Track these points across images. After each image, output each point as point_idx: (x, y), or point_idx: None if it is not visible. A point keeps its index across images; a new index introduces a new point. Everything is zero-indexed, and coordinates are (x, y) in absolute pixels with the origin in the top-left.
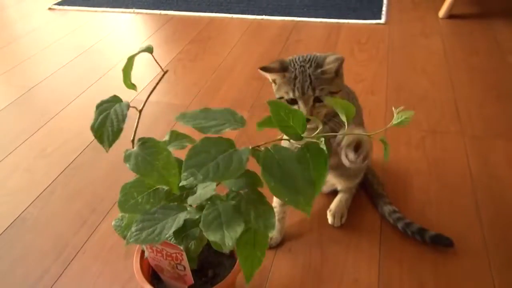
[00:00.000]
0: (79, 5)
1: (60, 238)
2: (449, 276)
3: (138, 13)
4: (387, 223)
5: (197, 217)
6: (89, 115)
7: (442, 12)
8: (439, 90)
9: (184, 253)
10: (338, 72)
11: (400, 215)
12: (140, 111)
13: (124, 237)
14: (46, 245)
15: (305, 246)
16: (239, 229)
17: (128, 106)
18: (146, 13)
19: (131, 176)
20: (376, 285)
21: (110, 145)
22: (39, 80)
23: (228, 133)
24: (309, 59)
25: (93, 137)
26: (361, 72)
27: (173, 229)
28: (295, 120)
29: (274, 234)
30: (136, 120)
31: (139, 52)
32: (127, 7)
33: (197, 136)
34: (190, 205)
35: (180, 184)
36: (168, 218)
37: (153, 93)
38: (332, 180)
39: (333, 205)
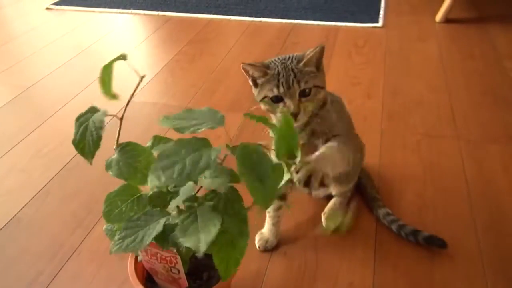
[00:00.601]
0: (77, 5)
1: (56, 239)
2: (444, 280)
3: (136, 14)
4: (382, 227)
5: (177, 221)
6: None
7: (439, 16)
8: (435, 94)
9: (178, 257)
10: (319, 67)
11: (394, 217)
12: (121, 119)
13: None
14: (41, 246)
15: (300, 250)
16: (214, 229)
17: (104, 114)
18: (144, 14)
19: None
20: None
21: (92, 156)
22: (36, 80)
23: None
24: (289, 57)
25: None
26: (358, 76)
27: (153, 235)
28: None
29: (269, 238)
30: (118, 128)
31: (113, 61)
32: (125, 7)
33: None
34: (177, 207)
35: (149, 187)
36: (150, 224)
37: (150, 94)
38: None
39: (327, 209)
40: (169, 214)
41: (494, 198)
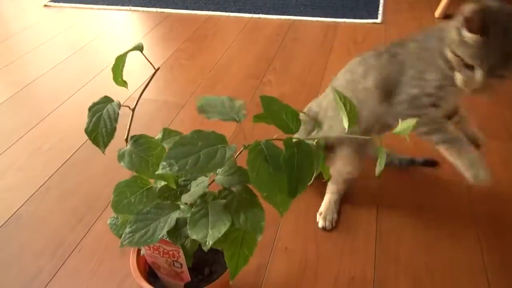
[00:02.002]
0: (75, 2)
1: (56, 236)
2: (444, 273)
3: (134, 10)
4: (382, 219)
5: (187, 215)
6: (85, 113)
7: (438, 12)
8: None
9: (181, 251)
10: None
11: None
12: (133, 110)
13: (120, 236)
14: (41, 243)
15: (301, 245)
16: (223, 228)
17: (119, 105)
18: (143, 11)
19: (126, 174)
20: (371, 283)
21: (105, 146)
22: (35, 77)
23: (226, 130)
24: None
25: None
26: None
27: (165, 230)
28: (287, 115)
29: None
30: (130, 119)
31: (128, 51)
32: (123, 4)
33: (204, 118)
34: (186, 203)
35: (156, 173)
36: (160, 218)
37: (149, 91)
38: None
39: (322, 208)
40: (179, 207)
41: (493, 193)
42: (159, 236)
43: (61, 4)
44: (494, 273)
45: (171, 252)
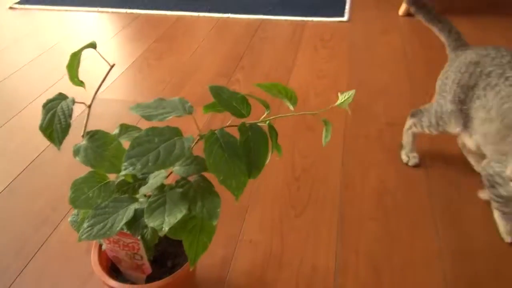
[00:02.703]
0: (41, 4)
1: (20, 237)
2: (402, 262)
3: (102, 11)
4: (345, 207)
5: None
6: None
7: (401, 10)
8: (398, 84)
9: (140, 242)
10: None
11: None
12: (89, 106)
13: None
14: (5, 243)
15: (266, 236)
16: (179, 215)
17: (73, 101)
18: (111, 12)
19: None
20: (332, 271)
21: (60, 143)
22: (1, 79)
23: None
24: None
25: None
26: (324, 69)
27: (124, 221)
28: (237, 101)
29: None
30: (86, 115)
31: (82, 49)
32: (91, 5)
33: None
34: (145, 195)
35: (120, 174)
36: (119, 211)
37: (118, 92)
38: None
39: None
40: (137, 200)
41: (453, 181)
42: (118, 228)
43: (27, 6)
44: (449, 261)
45: (131, 245)
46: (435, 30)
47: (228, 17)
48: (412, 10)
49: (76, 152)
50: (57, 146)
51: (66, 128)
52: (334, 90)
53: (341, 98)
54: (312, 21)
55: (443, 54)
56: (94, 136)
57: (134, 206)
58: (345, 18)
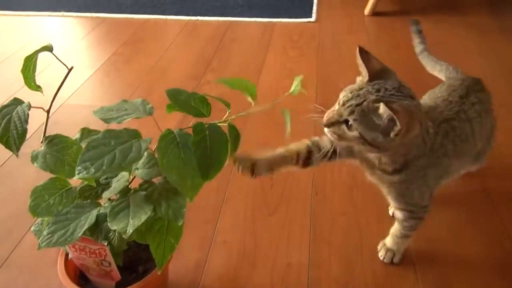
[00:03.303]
0: (1, 9)
1: None
2: (374, 253)
3: (67, 16)
4: (318, 205)
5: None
6: None
7: (367, 10)
8: None
9: (107, 248)
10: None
11: None
12: (48, 111)
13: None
14: None
15: (239, 236)
16: (144, 216)
17: (29, 106)
18: (76, 16)
19: None
20: (306, 267)
21: (18, 149)
22: None
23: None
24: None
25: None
26: (293, 68)
27: (85, 227)
28: (196, 101)
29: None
30: (45, 120)
31: (37, 52)
32: (55, 10)
33: (143, 120)
34: (109, 199)
35: (74, 178)
36: (81, 217)
37: (85, 97)
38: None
39: (387, 240)
40: (101, 205)
41: None
42: (79, 234)
43: None
44: (418, 251)
45: (97, 251)
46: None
47: (197, 20)
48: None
49: (34, 158)
50: (15, 153)
51: (22, 134)
52: (303, 88)
53: (293, 86)
54: (280, 22)
55: (407, 53)
56: (53, 141)
57: (97, 210)
58: (312, 19)
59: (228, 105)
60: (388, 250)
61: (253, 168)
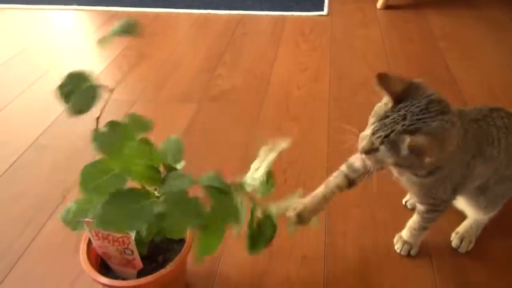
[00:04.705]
0: (15, 3)
1: (3, 241)
2: (388, 245)
3: (79, 9)
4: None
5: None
6: (30, 116)
7: (379, 3)
8: None
9: (131, 236)
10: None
11: None
12: (112, 91)
13: (73, 228)
14: None
15: None
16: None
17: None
18: (88, 10)
19: (75, 175)
20: (322, 258)
21: (77, 112)
22: None
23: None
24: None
25: (35, 137)
26: (305, 62)
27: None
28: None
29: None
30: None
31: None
32: (67, 3)
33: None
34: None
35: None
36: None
37: None
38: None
39: (461, 228)
40: (154, 196)
41: None
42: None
43: (0, 5)
44: (434, 242)
45: (121, 239)
46: None
47: (208, 13)
48: None
49: (95, 137)
50: (70, 111)
51: (92, 101)
52: (315, 82)
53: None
54: (292, 15)
55: (420, 46)
56: (115, 128)
57: (152, 205)
58: (324, 12)
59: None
60: (405, 242)
61: (301, 220)
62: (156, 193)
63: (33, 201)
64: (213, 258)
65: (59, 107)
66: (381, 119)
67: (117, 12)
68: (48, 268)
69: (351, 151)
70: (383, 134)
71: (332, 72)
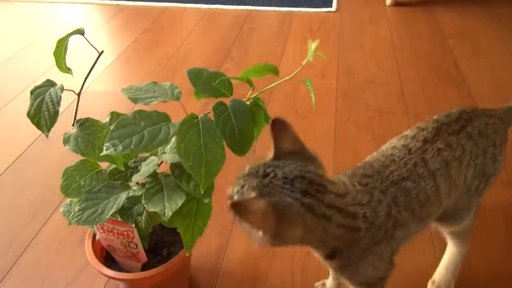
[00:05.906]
0: None
1: (10, 232)
2: None
3: (88, 3)
4: None
5: (140, 193)
6: None
7: (389, 0)
8: (386, 73)
9: (135, 230)
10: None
11: None
12: (79, 94)
13: (69, 223)
14: None
15: None
16: (180, 201)
17: (62, 89)
18: (97, 4)
19: None
20: None
21: (48, 130)
22: None
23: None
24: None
25: None
26: (313, 58)
27: (113, 209)
28: (218, 82)
29: None
30: (76, 104)
31: (69, 35)
32: None
33: (164, 108)
34: (137, 183)
35: (101, 154)
36: (110, 197)
37: (107, 83)
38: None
39: (437, 275)
40: (130, 187)
41: None
42: (107, 216)
43: None
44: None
45: (125, 233)
46: None
47: (216, 8)
48: None
49: (66, 140)
50: (46, 134)
51: (54, 115)
52: (322, 79)
53: (309, 52)
54: (300, 11)
55: (429, 44)
56: (84, 124)
57: (126, 193)
58: (333, 8)
59: (250, 82)
60: None
61: None
62: (132, 182)
63: (40, 193)
64: (217, 253)
65: (67, 100)
66: (251, 169)
67: (126, 6)
68: (54, 260)
69: (358, 149)
70: (237, 187)
71: (339, 68)
